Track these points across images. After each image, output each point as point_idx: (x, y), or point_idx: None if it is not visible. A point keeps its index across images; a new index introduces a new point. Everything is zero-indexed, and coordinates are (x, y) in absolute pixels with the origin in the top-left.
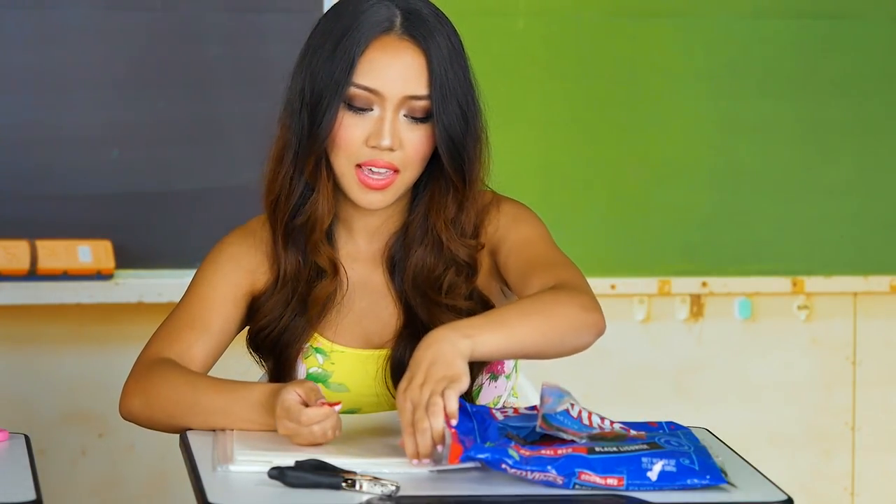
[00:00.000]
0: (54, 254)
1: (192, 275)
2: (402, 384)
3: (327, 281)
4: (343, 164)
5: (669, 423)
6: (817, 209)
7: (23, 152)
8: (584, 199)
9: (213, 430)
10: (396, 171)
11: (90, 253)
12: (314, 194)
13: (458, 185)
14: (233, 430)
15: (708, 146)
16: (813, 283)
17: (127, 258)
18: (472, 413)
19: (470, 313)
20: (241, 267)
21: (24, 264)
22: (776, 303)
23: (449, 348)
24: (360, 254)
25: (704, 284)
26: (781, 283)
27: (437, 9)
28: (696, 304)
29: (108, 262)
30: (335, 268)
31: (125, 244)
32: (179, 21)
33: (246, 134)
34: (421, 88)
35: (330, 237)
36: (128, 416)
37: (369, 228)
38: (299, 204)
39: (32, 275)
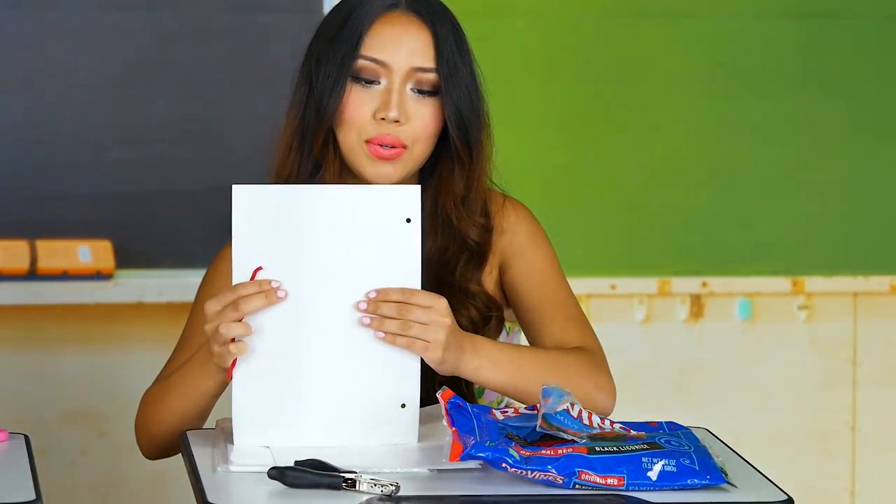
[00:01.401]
0: (54, 254)
1: (192, 275)
2: (449, 309)
3: None
4: (353, 140)
5: (669, 423)
6: (817, 209)
7: (23, 152)
8: (584, 199)
9: (217, 427)
10: (405, 146)
11: (90, 253)
12: (320, 172)
13: (465, 160)
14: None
15: (708, 146)
16: (813, 283)
17: (127, 258)
18: (472, 413)
19: (480, 297)
20: None
21: (23, 264)
22: (776, 303)
23: (458, 365)
24: None
25: (704, 284)
26: (781, 283)
27: (444, 4)
28: (696, 305)
29: (107, 262)
30: None
31: (125, 244)
32: (179, 21)
33: (246, 134)
34: (428, 61)
35: None
36: (151, 452)
37: None
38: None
39: (32, 275)
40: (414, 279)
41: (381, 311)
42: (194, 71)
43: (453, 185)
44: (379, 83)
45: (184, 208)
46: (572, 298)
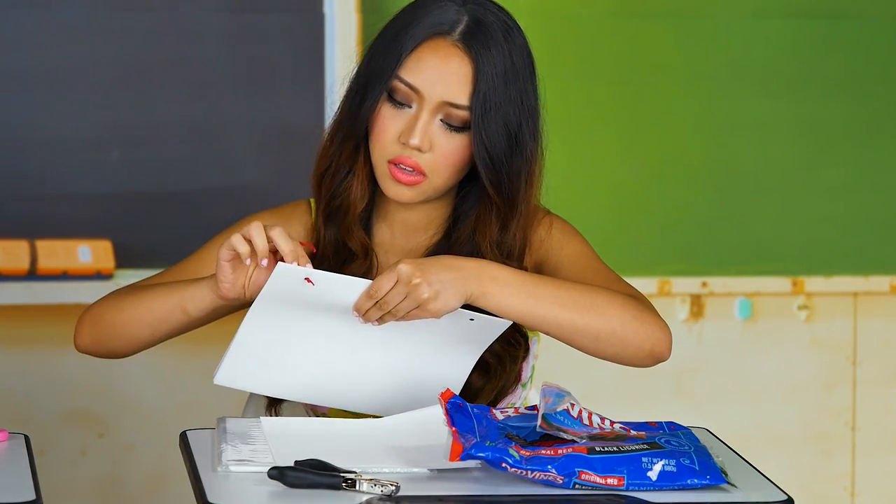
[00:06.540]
0: (54, 254)
1: None
2: (409, 267)
3: (359, 262)
4: (377, 155)
5: (669, 423)
6: (817, 209)
7: (23, 152)
8: (584, 199)
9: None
10: (424, 174)
11: (90, 253)
12: (349, 177)
13: (499, 203)
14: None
15: (708, 146)
16: (813, 283)
17: (127, 258)
18: (472, 413)
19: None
20: None
21: (23, 264)
22: (776, 303)
23: (462, 290)
24: (398, 249)
25: (704, 284)
26: (781, 283)
27: (513, 25)
28: (696, 305)
29: (107, 262)
30: (366, 252)
31: (125, 244)
32: (179, 21)
33: (246, 134)
34: (461, 98)
35: (370, 230)
36: (87, 340)
37: (408, 223)
38: (339, 185)
39: (32, 275)
40: (362, 284)
41: (371, 317)
42: (194, 71)
43: (489, 228)
44: (410, 107)
45: (184, 208)
46: (613, 272)
